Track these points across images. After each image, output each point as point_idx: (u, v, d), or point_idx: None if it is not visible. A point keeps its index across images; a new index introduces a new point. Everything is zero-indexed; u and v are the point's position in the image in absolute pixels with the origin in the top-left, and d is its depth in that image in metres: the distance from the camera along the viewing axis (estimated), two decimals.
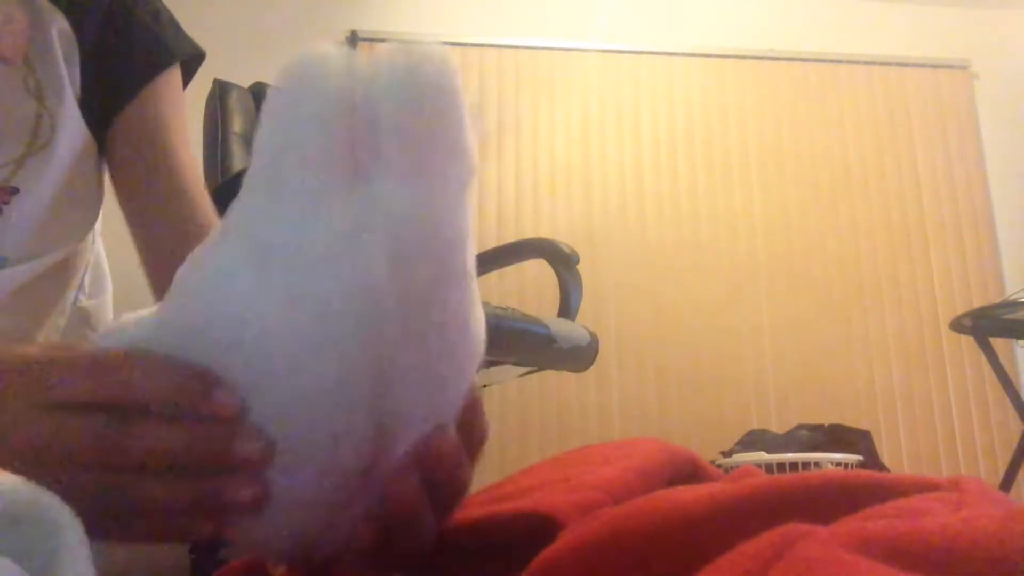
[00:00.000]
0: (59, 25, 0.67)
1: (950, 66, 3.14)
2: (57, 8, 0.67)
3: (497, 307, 1.38)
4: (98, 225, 0.80)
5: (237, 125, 1.83)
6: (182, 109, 0.75)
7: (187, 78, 0.78)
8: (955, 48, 3.17)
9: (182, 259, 0.59)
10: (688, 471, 0.54)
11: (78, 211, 0.72)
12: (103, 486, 0.32)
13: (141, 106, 0.71)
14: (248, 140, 1.84)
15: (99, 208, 0.76)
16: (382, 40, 2.87)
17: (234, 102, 1.87)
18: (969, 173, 3.06)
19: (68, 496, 0.28)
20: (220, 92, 1.86)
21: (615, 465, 0.49)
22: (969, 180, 3.05)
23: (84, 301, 0.79)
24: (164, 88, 0.73)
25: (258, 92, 1.95)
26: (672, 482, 0.52)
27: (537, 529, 0.41)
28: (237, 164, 1.75)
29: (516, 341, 1.38)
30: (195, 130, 1.94)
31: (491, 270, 2.12)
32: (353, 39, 2.84)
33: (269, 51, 2.81)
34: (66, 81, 0.67)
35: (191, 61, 0.77)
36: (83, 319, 0.79)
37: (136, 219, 0.72)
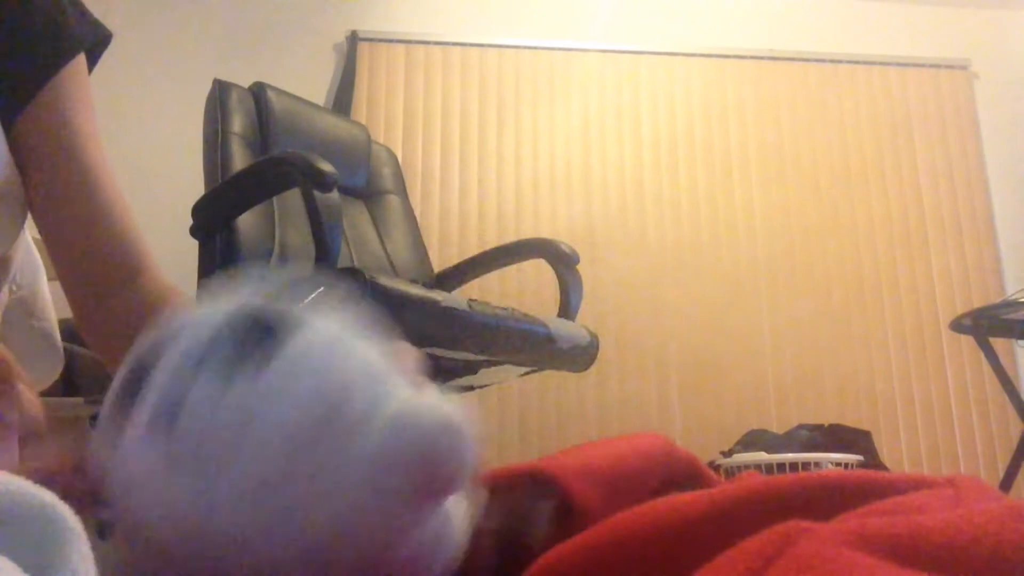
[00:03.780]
0: None
1: (950, 66, 3.14)
2: None
3: (497, 307, 1.38)
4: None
5: (237, 125, 1.83)
6: (87, 100, 0.70)
7: (93, 61, 0.72)
8: (955, 48, 3.17)
9: (92, 262, 0.58)
10: (687, 472, 0.54)
11: (6, 215, 0.68)
12: None
13: (43, 103, 0.66)
14: (248, 140, 1.84)
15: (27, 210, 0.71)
16: (382, 40, 2.88)
17: (234, 102, 1.87)
18: (969, 173, 3.06)
19: None
20: (220, 92, 1.86)
21: (616, 447, 0.50)
22: (969, 180, 3.05)
23: (18, 291, 0.76)
24: (67, 81, 0.68)
25: (258, 92, 1.95)
26: (670, 478, 0.52)
27: (539, 491, 0.41)
28: (237, 164, 1.75)
29: (516, 341, 1.38)
30: (195, 130, 1.95)
31: (491, 270, 2.12)
32: (353, 39, 2.84)
33: (269, 51, 2.82)
34: None
35: (96, 46, 0.72)
36: (23, 308, 0.77)
37: (45, 221, 0.67)
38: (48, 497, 0.28)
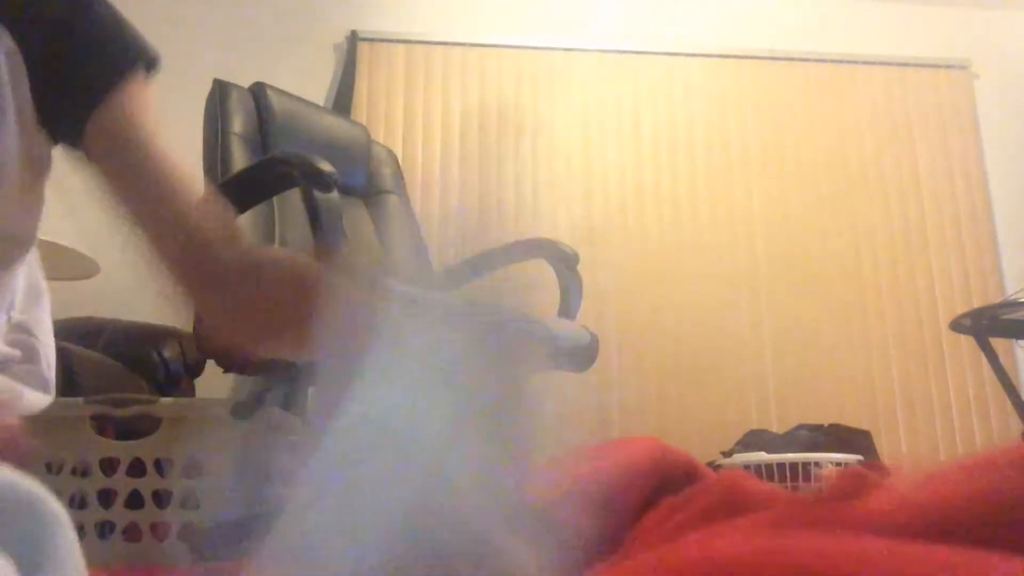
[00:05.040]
0: (6, 46, 0.65)
1: (950, 66, 3.14)
2: (2, 27, 0.65)
3: None
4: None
5: (237, 125, 1.83)
6: (152, 109, 0.73)
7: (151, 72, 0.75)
8: (955, 48, 3.17)
9: (194, 244, 0.60)
10: (683, 472, 0.54)
11: (16, 230, 0.71)
12: None
13: (110, 110, 0.69)
14: (248, 140, 1.84)
15: (36, 227, 0.74)
16: (382, 40, 2.88)
17: (234, 102, 1.87)
18: (969, 173, 3.06)
19: None
20: (220, 92, 1.86)
21: (602, 465, 0.50)
22: (969, 180, 3.05)
23: (17, 316, 0.77)
24: (129, 90, 0.71)
25: (258, 92, 1.95)
26: (664, 482, 0.52)
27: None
28: (237, 164, 1.75)
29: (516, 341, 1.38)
30: (195, 130, 1.94)
31: (491, 270, 2.12)
32: (353, 39, 2.84)
33: (269, 51, 2.82)
34: (8, 101, 0.65)
35: (152, 64, 0.75)
36: (23, 330, 0.78)
37: (136, 219, 0.70)
38: (34, 487, 0.28)
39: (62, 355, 1.13)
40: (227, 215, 0.73)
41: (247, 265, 0.69)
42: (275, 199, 1.75)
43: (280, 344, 0.71)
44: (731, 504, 0.45)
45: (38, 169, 0.72)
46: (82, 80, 0.69)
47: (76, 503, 0.71)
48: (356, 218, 2.01)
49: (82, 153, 0.70)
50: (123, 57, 0.71)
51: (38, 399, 0.77)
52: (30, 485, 0.28)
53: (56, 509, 0.28)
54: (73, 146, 0.70)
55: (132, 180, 0.70)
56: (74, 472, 0.70)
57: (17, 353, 0.76)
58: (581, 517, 0.44)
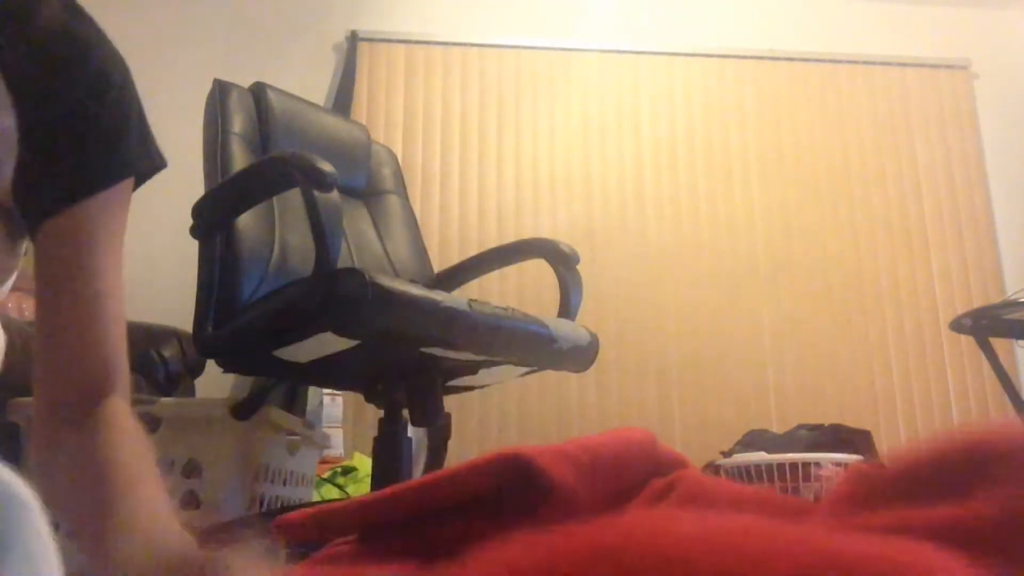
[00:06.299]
0: (2, 124, 0.61)
1: (950, 66, 3.14)
2: (8, 99, 0.61)
3: (497, 307, 1.38)
4: None
5: (237, 125, 1.83)
6: (121, 222, 0.69)
7: (140, 182, 0.72)
8: (955, 48, 3.17)
9: (71, 371, 0.61)
10: (673, 465, 0.55)
11: None
12: None
13: (77, 216, 0.66)
14: (248, 140, 1.84)
15: (10, 281, 0.72)
16: (382, 40, 2.88)
17: (234, 102, 1.87)
18: (969, 173, 3.06)
19: None
20: (220, 92, 1.86)
21: (596, 438, 0.52)
22: (969, 180, 3.05)
23: None
24: (106, 200, 0.67)
25: (258, 92, 1.95)
26: (656, 470, 0.53)
27: (516, 475, 0.42)
28: (237, 164, 1.75)
29: (516, 341, 1.38)
30: (195, 130, 1.94)
31: (491, 270, 2.12)
32: (353, 39, 2.84)
33: (269, 51, 2.82)
34: None
35: (147, 173, 0.72)
36: None
37: (43, 319, 0.67)
38: (5, 474, 0.27)
39: None
40: (123, 375, 0.69)
41: (85, 451, 0.63)
42: (275, 199, 1.75)
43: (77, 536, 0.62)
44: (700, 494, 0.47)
45: (13, 233, 0.69)
46: (67, 176, 0.65)
47: None
48: (356, 218, 2.01)
49: (37, 242, 0.67)
50: (116, 167, 0.68)
51: None
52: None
53: (23, 494, 0.28)
54: (32, 224, 0.66)
55: (61, 291, 0.67)
56: None
57: None
58: (570, 472, 0.45)
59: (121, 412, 0.67)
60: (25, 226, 0.67)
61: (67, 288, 0.66)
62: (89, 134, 0.66)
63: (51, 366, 0.67)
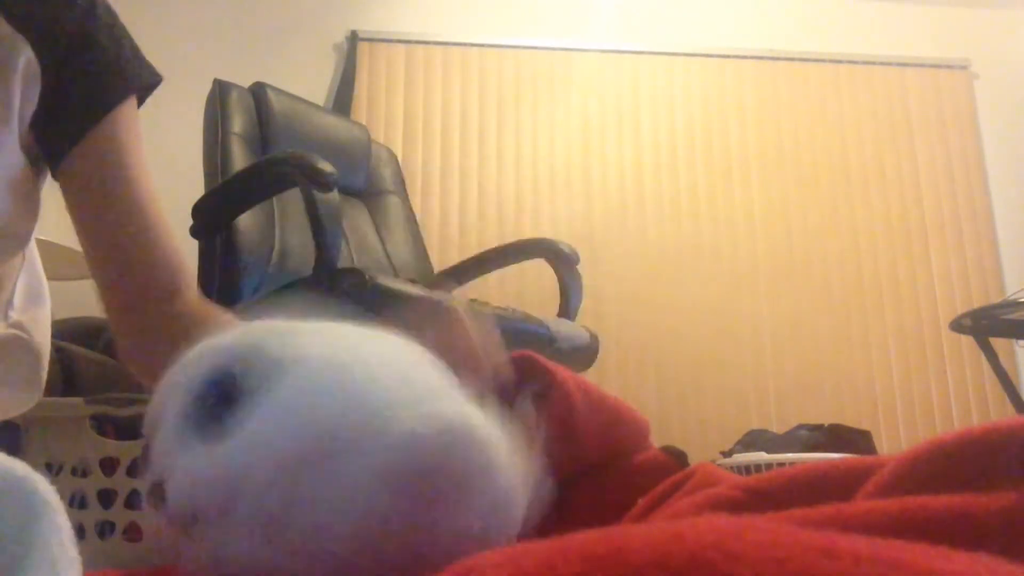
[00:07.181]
0: (27, 55, 0.66)
1: (950, 66, 3.14)
2: (24, 38, 0.66)
3: (497, 307, 1.38)
4: (32, 240, 0.80)
5: (237, 125, 1.83)
6: (139, 136, 0.75)
7: (141, 100, 0.78)
8: (955, 48, 3.17)
9: (135, 280, 0.64)
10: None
11: (11, 230, 0.72)
12: None
13: (99, 137, 0.71)
14: (248, 140, 1.84)
15: (32, 228, 0.76)
16: (382, 40, 2.88)
17: (234, 102, 1.87)
18: (969, 173, 3.06)
19: None
20: (220, 92, 1.86)
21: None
22: (969, 180, 3.05)
23: (16, 316, 0.78)
24: (121, 118, 0.72)
25: (258, 92, 1.95)
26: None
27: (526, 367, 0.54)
28: (237, 164, 1.75)
29: (516, 341, 1.38)
30: (195, 130, 1.94)
31: (491, 270, 2.12)
32: (353, 39, 2.84)
33: (269, 51, 2.82)
34: (14, 110, 0.66)
35: (148, 88, 0.77)
36: (20, 329, 0.79)
37: (93, 241, 0.72)
38: (22, 470, 0.28)
39: (62, 355, 1.13)
40: (185, 270, 0.74)
41: (179, 326, 0.69)
42: (275, 199, 1.75)
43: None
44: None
45: (37, 172, 0.72)
46: (80, 103, 0.70)
47: (76, 503, 0.71)
48: (356, 218, 2.01)
49: (64, 172, 0.71)
50: (119, 86, 0.72)
51: (27, 398, 0.77)
52: (15, 465, 0.28)
53: (43, 490, 0.28)
54: (55, 163, 0.71)
55: (103, 209, 0.71)
56: (74, 472, 0.70)
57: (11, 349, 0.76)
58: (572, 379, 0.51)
59: (196, 301, 0.73)
60: (47, 167, 0.72)
61: (110, 204, 0.71)
62: (94, 58, 0.71)
63: (116, 278, 0.72)
